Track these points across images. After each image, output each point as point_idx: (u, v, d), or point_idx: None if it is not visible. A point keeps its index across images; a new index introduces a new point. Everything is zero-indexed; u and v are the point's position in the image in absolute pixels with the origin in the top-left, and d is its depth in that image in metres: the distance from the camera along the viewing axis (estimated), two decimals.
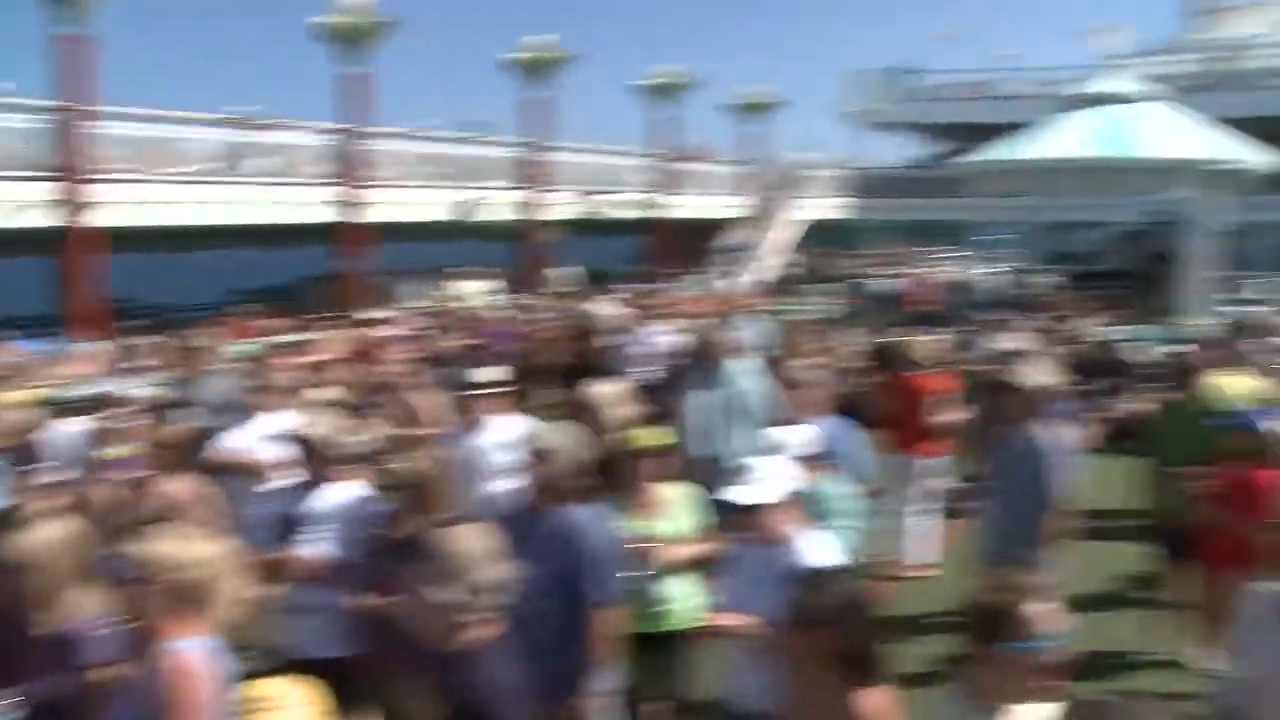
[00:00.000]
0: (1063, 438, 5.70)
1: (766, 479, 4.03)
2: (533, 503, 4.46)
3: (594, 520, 4.43)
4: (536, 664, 4.29)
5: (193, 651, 3.10)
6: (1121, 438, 12.32)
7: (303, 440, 4.82)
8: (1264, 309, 18.68)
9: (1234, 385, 6.97)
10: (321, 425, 4.90)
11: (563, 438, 4.47)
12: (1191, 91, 32.25)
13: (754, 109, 33.86)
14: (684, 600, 5.30)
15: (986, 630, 2.76)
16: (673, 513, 5.27)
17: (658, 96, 29.85)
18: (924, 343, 9.22)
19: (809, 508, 4.54)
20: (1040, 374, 5.66)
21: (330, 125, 20.95)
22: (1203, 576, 6.49)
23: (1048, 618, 2.72)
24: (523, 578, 4.31)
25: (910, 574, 8.52)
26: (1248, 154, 18.59)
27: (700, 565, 5.33)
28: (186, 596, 3.16)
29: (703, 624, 4.31)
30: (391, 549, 4.33)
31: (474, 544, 2.92)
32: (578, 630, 4.36)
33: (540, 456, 4.36)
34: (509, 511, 4.87)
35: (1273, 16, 38.88)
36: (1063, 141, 18.33)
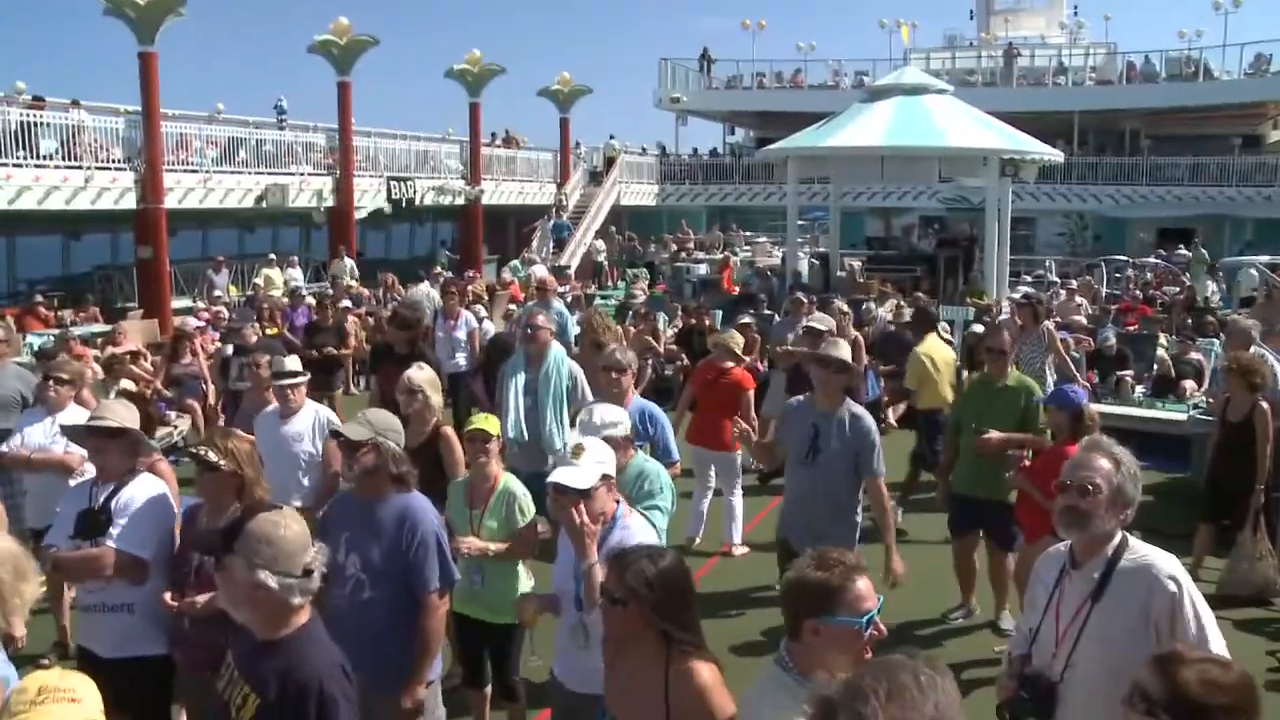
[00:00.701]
0: (868, 417, 5.91)
1: (585, 461, 4.07)
2: (360, 490, 4.41)
3: (421, 508, 4.42)
4: (368, 652, 4.32)
5: None
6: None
7: (109, 431, 4.63)
8: (1050, 288, 19.89)
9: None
10: (121, 416, 4.72)
11: (385, 425, 4.44)
12: (979, 86, 34.17)
13: (567, 96, 33.89)
14: (510, 586, 5.37)
15: (807, 604, 2.84)
16: (499, 498, 5.32)
17: (471, 82, 29.55)
18: (736, 335, 9.30)
19: (623, 488, 4.66)
20: (845, 353, 5.86)
21: (130, 108, 19.98)
22: (1015, 546, 6.93)
23: (864, 593, 2.83)
24: (352, 566, 4.34)
25: (721, 554, 8.78)
26: (1033, 145, 19.75)
27: (525, 550, 5.41)
28: None
29: (526, 608, 4.32)
30: (203, 542, 4.24)
31: (290, 529, 2.90)
32: (408, 618, 4.34)
33: (364, 445, 4.32)
34: (336, 500, 4.82)
35: (1055, 19, 41.37)
36: (865, 131, 19.07)
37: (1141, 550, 3.42)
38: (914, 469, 9.91)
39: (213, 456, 4.42)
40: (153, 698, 4.56)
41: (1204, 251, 27.55)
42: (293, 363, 6.68)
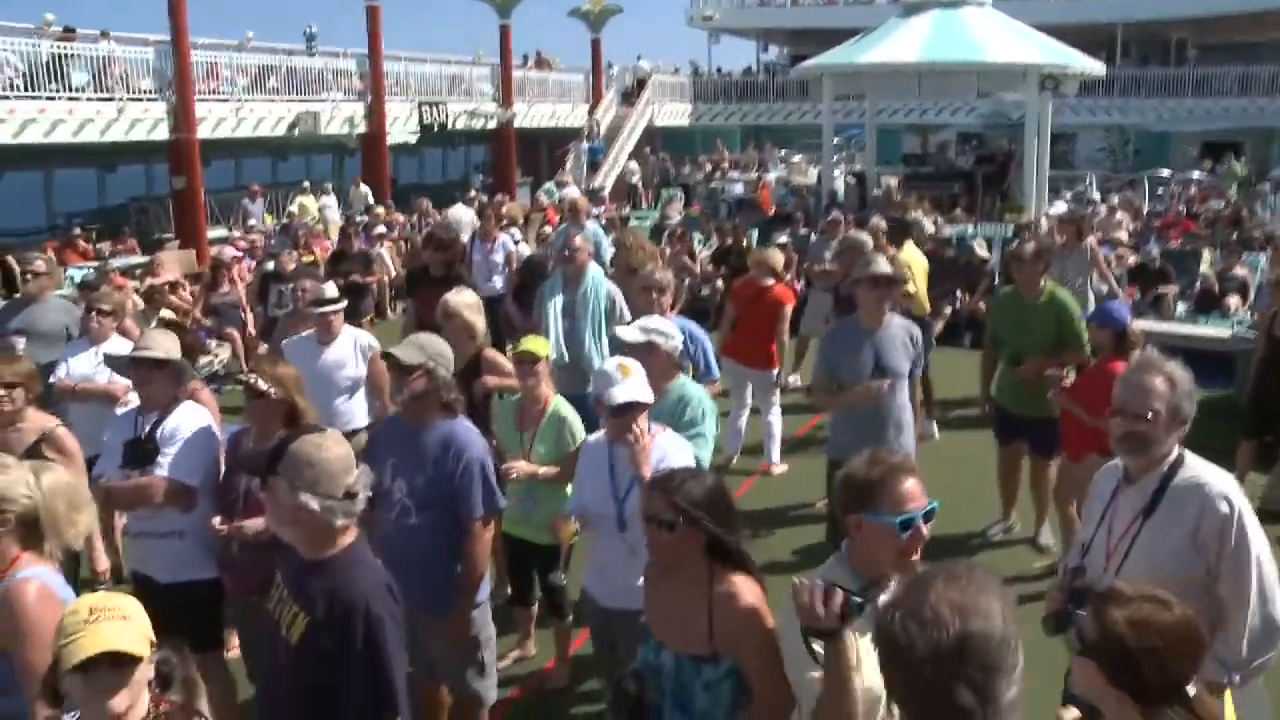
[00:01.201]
0: (913, 325, 5.89)
1: (636, 378, 4.10)
2: (407, 415, 4.43)
3: (467, 433, 4.44)
4: (416, 575, 4.37)
5: (34, 580, 3.08)
6: (964, 332, 12.95)
7: (153, 362, 4.68)
8: (1090, 205, 19.58)
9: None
10: (164, 346, 4.77)
11: (436, 350, 4.44)
12: None
13: (598, 16, 33.42)
14: (560, 508, 5.41)
15: (850, 499, 2.90)
16: (550, 422, 5.34)
17: (500, 4, 29.18)
18: (776, 253, 9.17)
19: (664, 413, 4.69)
20: (885, 267, 5.79)
21: (159, 37, 19.90)
22: (1059, 464, 6.89)
23: (907, 493, 2.86)
24: (399, 490, 4.38)
25: (760, 473, 8.82)
26: (1074, 58, 19.31)
27: (570, 474, 5.45)
28: (24, 527, 3.13)
29: (565, 527, 4.35)
30: (250, 463, 4.30)
31: (333, 451, 2.93)
32: (454, 543, 4.38)
33: (416, 369, 4.33)
34: (383, 425, 4.86)
35: None
36: (901, 47, 18.71)
37: (1196, 468, 3.38)
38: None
39: (262, 384, 4.48)
40: (205, 621, 4.66)
41: (1237, 165, 26.97)
42: (331, 289, 6.66)
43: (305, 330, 7.02)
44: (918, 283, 9.61)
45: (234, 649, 5.23)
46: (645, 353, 4.85)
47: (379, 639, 2.88)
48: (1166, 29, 35.20)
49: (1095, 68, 20.33)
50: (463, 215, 16.85)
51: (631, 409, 4.05)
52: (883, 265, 5.72)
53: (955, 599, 1.99)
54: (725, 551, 3.20)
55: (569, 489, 5.41)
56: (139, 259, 17.16)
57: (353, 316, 11.56)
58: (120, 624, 2.47)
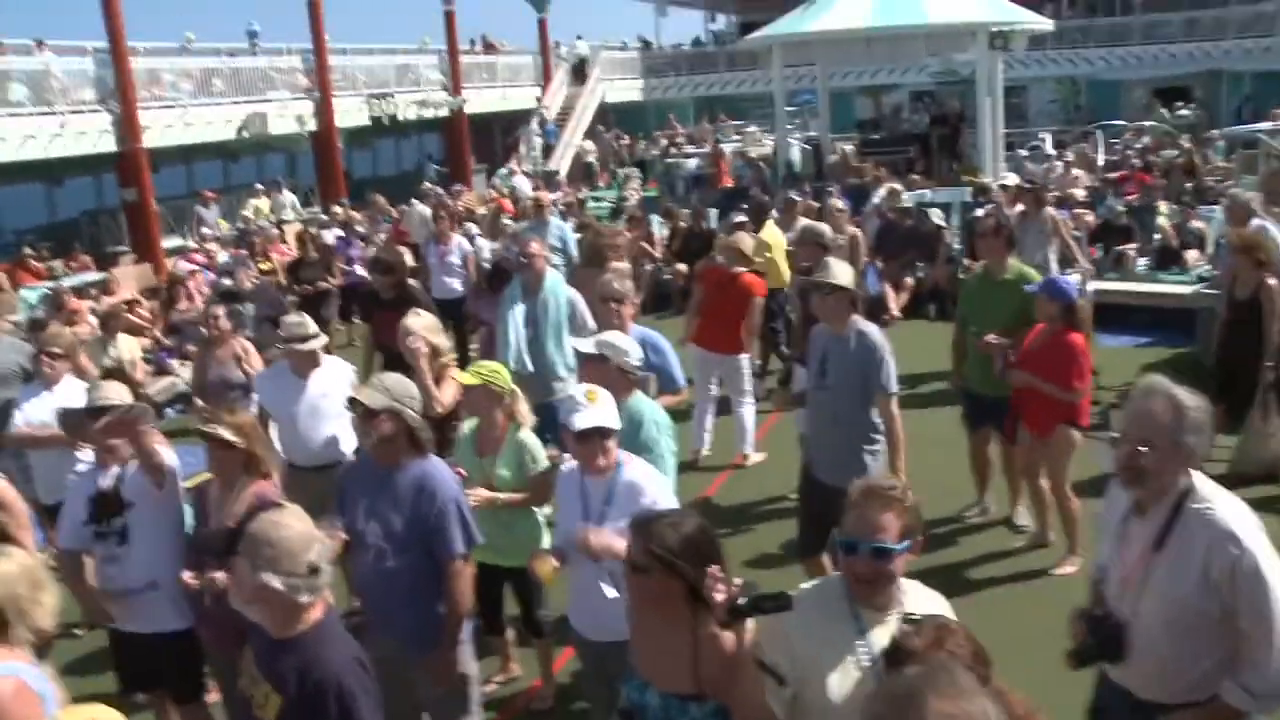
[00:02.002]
0: (876, 334, 5.76)
1: (602, 403, 4.05)
2: (377, 458, 4.36)
3: (440, 473, 4.38)
4: (397, 616, 4.35)
5: (8, 678, 3.01)
6: (925, 303, 12.97)
7: (106, 410, 4.60)
8: (1046, 161, 19.63)
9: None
10: (119, 394, 4.69)
11: (402, 391, 4.36)
12: None
13: None
14: (529, 529, 5.38)
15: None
16: (511, 447, 5.28)
17: None
18: (745, 238, 9.00)
19: (629, 426, 4.64)
20: (842, 275, 5.68)
21: (97, 44, 19.53)
22: (1018, 439, 6.91)
23: (874, 524, 2.88)
24: (373, 534, 4.32)
25: (734, 465, 8.78)
26: (1022, 15, 19.32)
27: (544, 497, 5.40)
28: None
29: (544, 568, 4.28)
30: (209, 544, 4.25)
31: (292, 529, 2.87)
32: (434, 581, 4.32)
33: (380, 413, 4.25)
34: (351, 466, 4.78)
35: None
36: (849, 12, 18.66)
37: (1207, 499, 3.22)
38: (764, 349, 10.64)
39: (228, 435, 4.39)
40: (186, 671, 4.65)
41: (1163, 111, 27.13)
42: (309, 325, 6.33)
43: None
44: (778, 258, 10.44)
45: (214, 695, 5.19)
46: (597, 366, 4.82)
47: (354, 717, 2.83)
48: None
49: (1043, 23, 20.34)
50: (421, 216, 16.66)
51: (593, 435, 3.99)
52: (837, 272, 5.63)
53: (948, 711, 1.96)
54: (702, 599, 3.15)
55: (538, 513, 5.40)
56: (94, 275, 16.87)
57: (321, 325, 11.47)
58: None
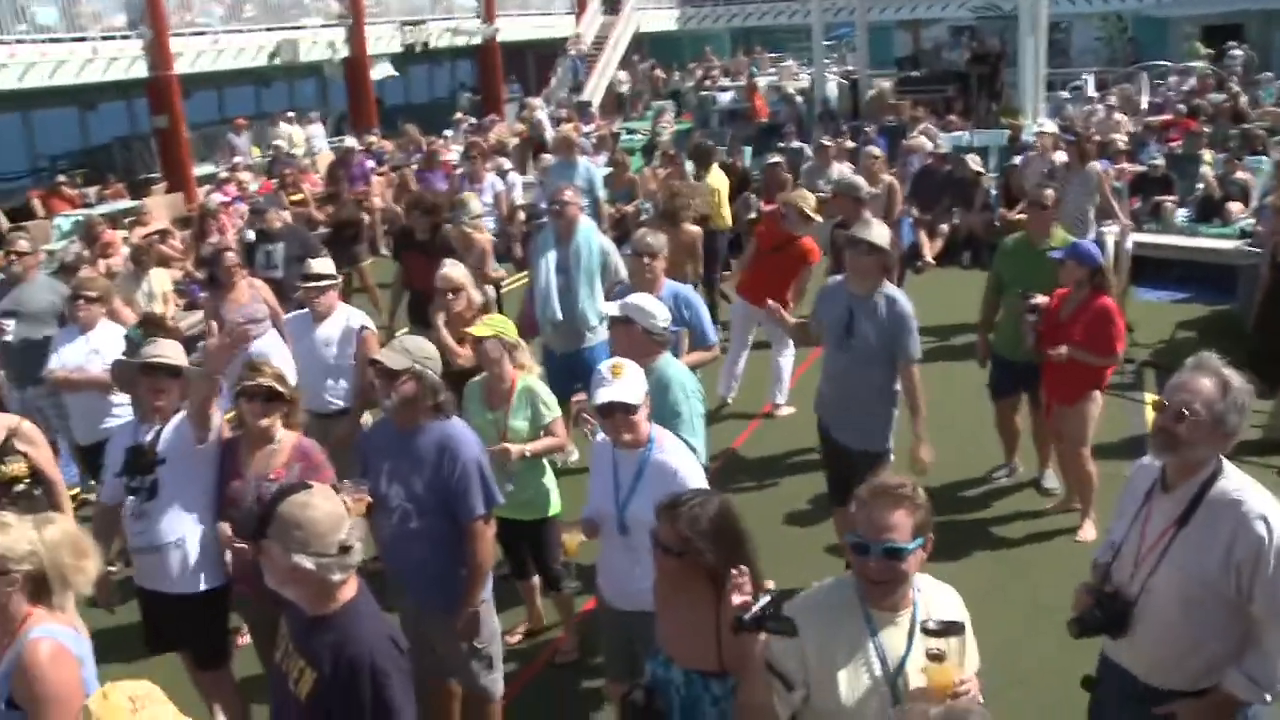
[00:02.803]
0: (905, 300, 5.63)
1: (627, 377, 4.02)
2: (398, 420, 4.36)
3: (461, 434, 4.39)
4: (420, 577, 4.39)
5: (47, 639, 3.06)
6: (959, 251, 12.83)
7: (168, 371, 4.62)
8: (1088, 107, 19.21)
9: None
10: (177, 354, 4.70)
11: (422, 353, 4.36)
12: None
13: None
14: (539, 482, 5.42)
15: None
16: (521, 398, 5.30)
17: None
18: (808, 195, 8.68)
19: (655, 390, 4.61)
20: (879, 234, 5.58)
21: None
22: (1045, 402, 6.85)
23: (884, 523, 2.86)
24: (396, 496, 4.34)
25: (763, 415, 8.76)
26: None
27: (559, 446, 5.44)
28: (31, 583, 3.12)
29: (570, 541, 4.36)
30: (242, 525, 4.28)
31: (320, 509, 2.88)
32: (456, 542, 4.35)
33: (402, 374, 4.25)
34: (373, 429, 4.79)
35: None
36: None
37: (1235, 483, 3.22)
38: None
39: (279, 386, 4.50)
40: (213, 632, 4.67)
41: (1198, 45, 26.33)
42: (322, 265, 6.52)
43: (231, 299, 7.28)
44: (723, 202, 11.03)
45: (243, 639, 5.28)
46: (623, 328, 4.80)
47: (387, 696, 2.87)
48: None
49: None
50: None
51: (616, 409, 3.98)
52: (875, 231, 5.54)
53: None
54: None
55: (546, 465, 5.44)
56: (126, 204, 16.94)
57: (352, 262, 11.47)
58: (163, 708, 2.54)
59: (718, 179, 11.27)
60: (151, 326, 5.80)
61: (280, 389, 4.52)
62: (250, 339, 5.80)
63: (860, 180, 8.56)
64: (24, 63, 17.07)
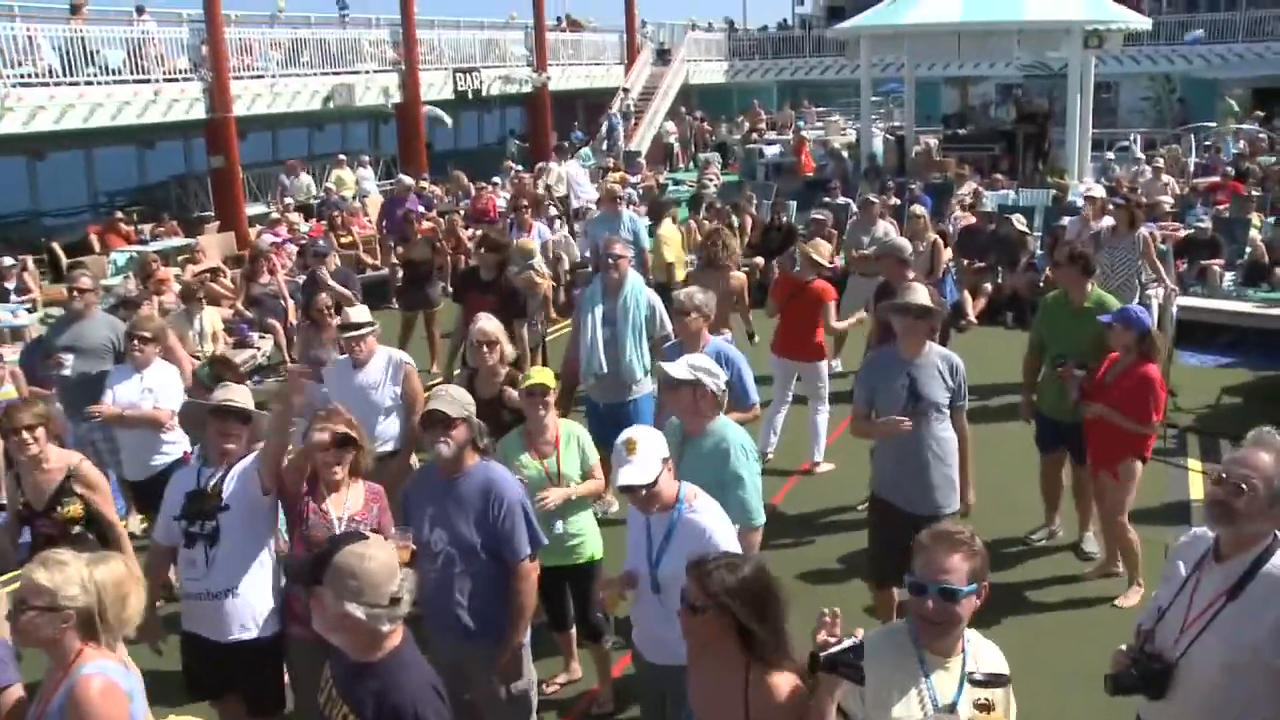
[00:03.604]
0: (955, 356, 5.76)
1: (641, 454, 3.99)
2: (445, 465, 4.45)
3: (504, 477, 4.49)
4: (462, 620, 4.45)
5: (98, 675, 3.13)
6: (1002, 310, 12.81)
7: (240, 415, 4.68)
8: (1135, 167, 19.19)
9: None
10: (248, 398, 4.77)
11: (465, 399, 4.46)
12: None
13: None
14: (586, 525, 5.49)
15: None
16: (568, 444, 5.39)
17: None
18: (821, 244, 8.97)
19: (705, 457, 4.68)
20: (923, 297, 5.64)
21: (192, 12, 19.93)
22: (1087, 465, 6.83)
23: (943, 565, 2.97)
24: (439, 541, 4.42)
25: (801, 472, 8.78)
26: (1119, 13, 18.89)
27: (601, 487, 5.53)
28: (83, 621, 3.19)
29: (610, 594, 4.34)
30: (295, 572, 4.26)
31: (376, 560, 2.95)
32: (499, 584, 4.44)
33: (456, 421, 4.34)
34: (416, 476, 4.85)
35: None
36: (941, 6, 18.39)
37: None
38: None
39: (354, 433, 4.54)
40: (265, 677, 4.66)
41: (1232, 102, 26.14)
42: (359, 314, 6.59)
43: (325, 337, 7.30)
44: (676, 255, 11.48)
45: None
46: (689, 391, 4.82)
47: None
48: None
49: (1140, 21, 19.85)
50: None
51: (633, 490, 3.98)
52: (920, 295, 5.59)
53: None
54: (759, 641, 3.18)
55: (589, 510, 5.52)
56: (180, 241, 17.30)
57: (425, 306, 11.54)
58: None
59: (669, 232, 11.79)
60: (221, 367, 5.91)
61: (353, 434, 4.56)
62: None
63: (904, 242, 8.62)
64: (91, 103, 17.59)
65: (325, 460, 4.51)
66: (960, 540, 3.02)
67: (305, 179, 20.69)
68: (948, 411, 5.60)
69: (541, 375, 5.41)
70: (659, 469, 3.97)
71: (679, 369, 4.80)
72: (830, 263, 8.85)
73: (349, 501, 4.60)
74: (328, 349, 7.68)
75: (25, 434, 5.04)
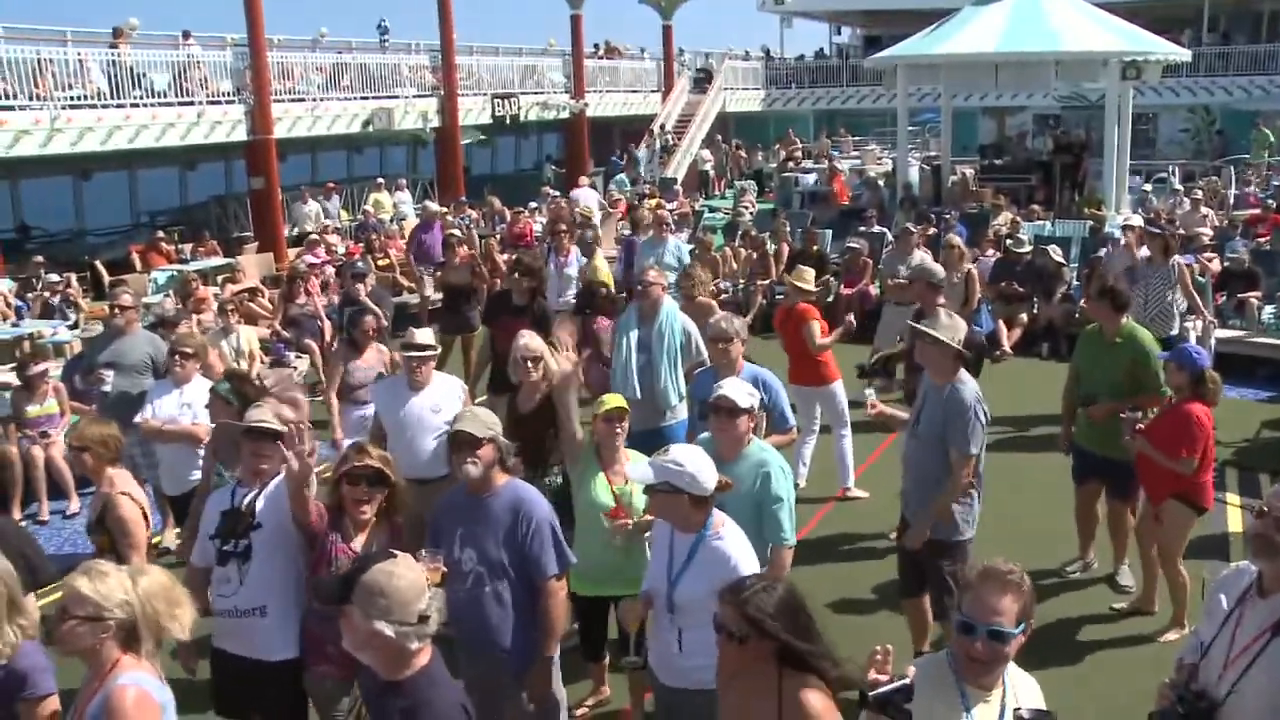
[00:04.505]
0: (970, 393, 5.58)
1: (677, 459, 4.06)
2: (474, 485, 4.47)
3: (532, 496, 4.53)
4: (492, 640, 4.47)
5: (133, 686, 3.17)
6: (1038, 341, 12.75)
7: (272, 435, 4.69)
8: (1172, 199, 19.07)
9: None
10: (281, 416, 4.79)
11: (492, 419, 4.49)
12: None
13: (669, 2, 33.25)
14: (638, 564, 5.44)
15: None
16: (627, 477, 5.33)
17: None
18: (805, 271, 8.86)
19: (744, 477, 4.71)
20: (957, 330, 5.63)
21: (235, 36, 20.25)
22: (1128, 502, 6.81)
23: (993, 606, 2.94)
24: (469, 560, 4.45)
25: (836, 499, 8.74)
26: (1156, 45, 18.84)
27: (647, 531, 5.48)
28: (123, 631, 3.23)
29: (631, 614, 4.33)
30: (323, 591, 4.26)
31: (404, 579, 2.98)
32: (528, 604, 4.47)
33: (483, 441, 4.38)
34: (444, 498, 4.86)
35: None
36: (978, 36, 18.39)
37: None
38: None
39: (389, 471, 4.46)
40: (287, 701, 4.66)
41: (1266, 131, 25.95)
42: (424, 335, 6.52)
43: (361, 360, 7.34)
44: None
45: None
46: (746, 417, 4.83)
47: None
48: (1256, 1, 34.07)
49: (1180, 53, 19.78)
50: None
51: (672, 492, 4.01)
52: (940, 327, 5.58)
53: None
54: (798, 659, 3.17)
55: (640, 544, 5.47)
56: (219, 260, 17.53)
57: (465, 329, 11.53)
58: None
59: (598, 262, 12.03)
60: (240, 383, 5.90)
61: (386, 471, 4.48)
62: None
63: (938, 267, 8.62)
64: (137, 125, 17.92)
65: (355, 498, 4.43)
66: (1011, 581, 2.97)
67: (313, 206, 20.71)
68: (943, 446, 5.53)
69: (617, 400, 5.37)
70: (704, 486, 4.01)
71: (741, 396, 4.83)
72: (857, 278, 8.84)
73: (378, 544, 4.45)
74: (364, 371, 7.63)
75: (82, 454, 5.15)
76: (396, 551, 3.16)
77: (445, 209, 18.35)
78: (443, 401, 6.35)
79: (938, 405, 5.54)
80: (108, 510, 5.14)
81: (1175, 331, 9.59)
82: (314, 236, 17.95)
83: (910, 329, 5.95)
